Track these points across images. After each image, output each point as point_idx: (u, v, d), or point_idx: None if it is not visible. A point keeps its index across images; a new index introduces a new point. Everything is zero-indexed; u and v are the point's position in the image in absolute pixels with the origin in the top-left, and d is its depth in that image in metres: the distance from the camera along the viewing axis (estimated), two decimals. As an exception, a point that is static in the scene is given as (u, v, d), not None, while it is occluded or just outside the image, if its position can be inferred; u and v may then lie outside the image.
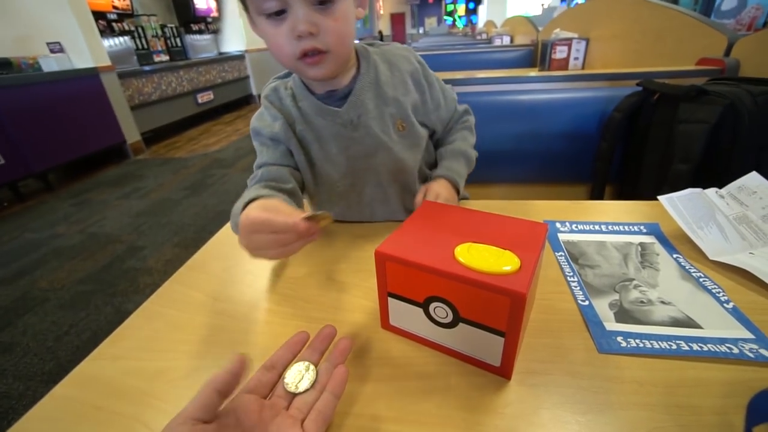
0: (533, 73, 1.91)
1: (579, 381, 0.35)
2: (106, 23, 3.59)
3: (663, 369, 0.35)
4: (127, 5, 3.79)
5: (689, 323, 0.40)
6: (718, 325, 0.40)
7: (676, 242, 0.54)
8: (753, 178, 0.60)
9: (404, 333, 0.40)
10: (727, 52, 1.17)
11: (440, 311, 0.35)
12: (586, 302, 0.44)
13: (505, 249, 0.34)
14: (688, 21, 1.35)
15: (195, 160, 3.44)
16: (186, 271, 0.55)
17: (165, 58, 4.33)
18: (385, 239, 0.37)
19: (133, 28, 3.83)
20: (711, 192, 0.59)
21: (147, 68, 3.80)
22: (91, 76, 3.14)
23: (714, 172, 0.77)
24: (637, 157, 0.97)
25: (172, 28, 4.42)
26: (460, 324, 0.35)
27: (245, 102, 5.72)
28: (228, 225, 0.66)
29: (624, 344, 0.38)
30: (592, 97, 1.12)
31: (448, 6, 14.36)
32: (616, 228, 0.58)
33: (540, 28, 2.85)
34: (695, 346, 0.37)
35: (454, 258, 0.34)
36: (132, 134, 3.56)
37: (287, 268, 0.54)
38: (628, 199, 0.70)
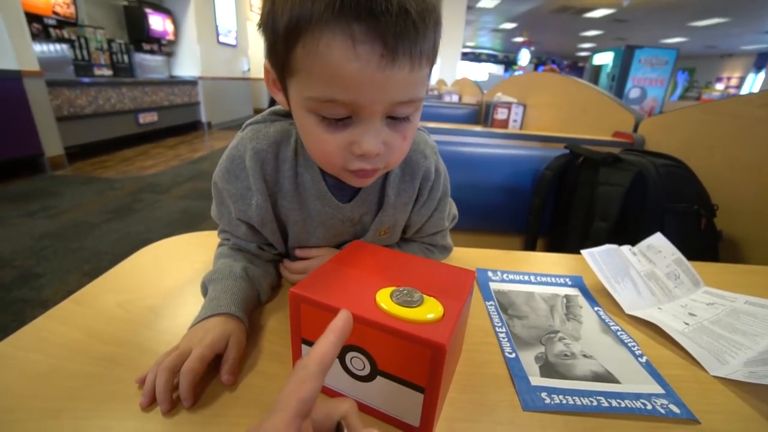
0: (478, 128, 2.06)
1: (502, 444, 0.32)
2: (42, 27, 3.33)
3: (583, 427, 0.34)
4: (71, 13, 3.57)
5: (608, 378, 0.40)
6: (633, 379, 0.40)
7: (597, 295, 0.57)
8: (658, 238, 0.66)
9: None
10: (635, 129, 1.35)
11: (357, 362, 0.32)
12: (513, 355, 0.43)
13: (429, 295, 0.32)
14: (607, 100, 1.56)
15: (125, 182, 3.16)
16: (69, 305, 0.46)
17: (108, 72, 4.08)
18: (303, 279, 0.34)
19: (74, 38, 3.59)
20: (625, 249, 0.63)
21: (85, 80, 3.54)
22: (11, 78, 2.84)
23: (628, 231, 0.85)
24: (564, 214, 1.05)
25: (120, 43, 4.23)
26: (378, 377, 0.31)
27: (192, 128, 5.50)
28: (140, 252, 0.58)
29: (548, 401, 0.36)
30: (527, 156, 1.21)
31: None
32: (544, 279, 0.60)
33: (485, 91, 3.14)
34: (614, 402, 0.37)
35: (374, 303, 0.31)
36: (53, 147, 3.21)
37: (198, 302, 0.47)
38: (557, 251, 0.74)
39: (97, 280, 0.51)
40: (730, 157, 0.97)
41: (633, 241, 0.64)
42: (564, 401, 0.36)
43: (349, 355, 0.32)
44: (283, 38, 0.33)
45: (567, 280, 0.60)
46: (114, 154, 3.98)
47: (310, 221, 0.49)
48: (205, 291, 0.45)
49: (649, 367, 0.42)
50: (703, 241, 0.85)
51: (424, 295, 0.32)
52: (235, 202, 0.47)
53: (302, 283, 0.33)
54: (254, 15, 6.98)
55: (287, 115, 0.47)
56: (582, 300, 0.55)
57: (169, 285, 0.51)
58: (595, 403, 0.36)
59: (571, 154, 1.04)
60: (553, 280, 0.60)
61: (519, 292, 0.56)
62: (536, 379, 0.39)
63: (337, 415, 0.24)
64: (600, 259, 0.59)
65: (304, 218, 0.49)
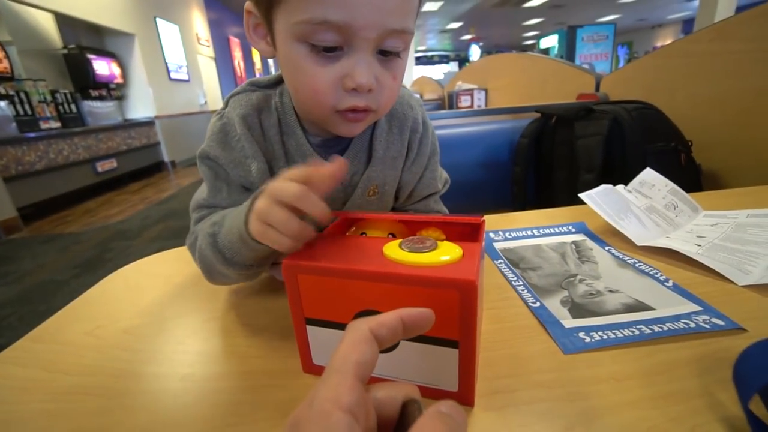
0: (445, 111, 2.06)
1: (552, 391, 0.28)
2: (-24, 88, 3.15)
3: (633, 358, 0.31)
4: (5, 68, 3.39)
5: (642, 306, 0.37)
6: (667, 303, 0.38)
7: (603, 236, 0.54)
8: (648, 173, 0.65)
9: (334, 372, 0.30)
10: (597, 88, 1.38)
11: (375, 330, 0.27)
12: (537, 303, 0.39)
13: (442, 241, 0.29)
14: (564, 67, 1.59)
15: (91, 233, 2.98)
16: (25, 344, 0.39)
17: (56, 124, 3.89)
18: (297, 249, 0.29)
19: (12, 93, 3.41)
20: (620, 188, 0.62)
21: (31, 135, 3.35)
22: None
23: (614, 177, 0.84)
24: (548, 176, 1.04)
25: (65, 93, 4.04)
26: (401, 342, 0.27)
27: (156, 169, 5.31)
28: (108, 278, 0.52)
29: (588, 340, 0.33)
30: (500, 129, 1.21)
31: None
32: (547, 231, 0.57)
33: (444, 86, 3.18)
34: (656, 328, 0.34)
35: (382, 256, 0.27)
36: (4, 209, 3.00)
37: (172, 321, 0.41)
38: None
39: (58, 313, 0.44)
40: (692, 95, 0.99)
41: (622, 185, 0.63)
42: (605, 336, 0.33)
43: (363, 323, 0.27)
44: None
45: (570, 227, 0.58)
46: (75, 207, 3.77)
47: None
48: (216, 244, 0.36)
49: (677, 288, 0.40)
50: (686, 176, 0.85)
51: (437, 241, 0.28)
52: (233, 168, 0.43)
53: (296, 253, 0.28)
54: (203, 48, 6.88)
55: (267, 86, 0.46)
56: (590, 243, 0.53)
57: (146, 304, 0.45)
58: (637, 333, 0.33)
59: (544, 117, 1.04)
60: (557, 230, 0.57)
61: (526, 247, 0.53)
62: (569, 322, 0.36)
63: (400, 397, 0.20)
64: (600, 200, 0.57)
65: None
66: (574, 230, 0.57)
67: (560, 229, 0.58)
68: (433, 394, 0.28)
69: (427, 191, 0.53)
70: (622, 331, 0.34)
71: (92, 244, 2.72)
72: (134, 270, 0.55)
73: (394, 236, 0.34)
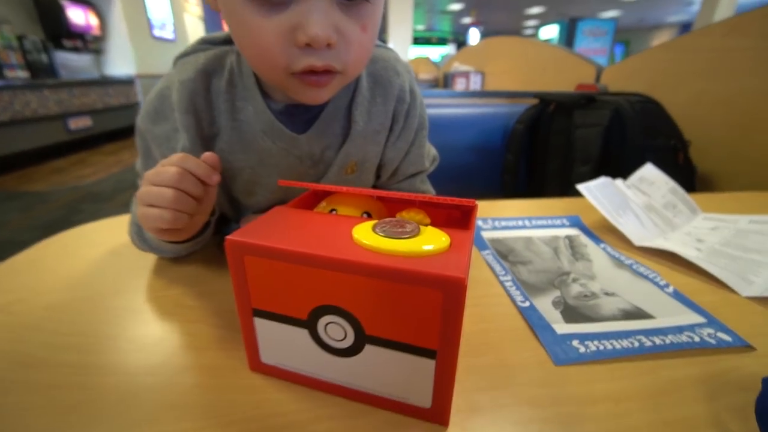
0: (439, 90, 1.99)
1: (541, 410, 0.24)
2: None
3: (633, 374, 0.27)
4: (-32, 9, 3.10)
5: (640, 314, 0.34)
6: (667, 311, 0.34)
7: (598, 233, 0.51)
8: (649, 169, 0.61)
9: (284, 373, 0.26)
10: (597, 79, 1.33)
11: (335, 330, 0.22)
12: (527, 303, 0.35)
13: (425, 225, 0.24)
14: (565, 55, 1.54)
15: (59, 194, 2.82)
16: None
17: (23, 74, 3.62)
18: (245, 225, 0.24)
19: (-26, 36, 3.14)
20: (619, 183, 0.58)
21: (-6, 83, 3.10)
22: None
23: (609, 171, 0.80)
24: (541, 166, 1.00)
25: (34, 41, 3.75)
26: (367, 347, 0.22)
27: (134, 131, 5.05)
28: (44, 243, 0.45)
29: (583, 350, 0.29)
30: (495, 113, 1.15)
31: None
32: (540, 223, 0.53)
33: (440, 67, 3.08)
34: (657, 340, 0.30)
35: (351, 240, 0.22)
36: (-35, 162, 2.81)
37: (107, 298, 0.35)
38: None
39: (-32, 281, 0.37)
40: (697, 93, 0.96)
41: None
42: (601, 347, 0.29)
43: (322, 321, 0.22)
44: None
45: (564, 221, 0.54)
46: (43, 165, 3.56)
47: (260, 167, 0.39)
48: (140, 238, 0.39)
49: (678, 296, 0.36)
50: (681, 176, 0.82)
51: (420, 226, 0.23)
52: (159, 146, 0.37)
53: (243, 229, 0.23)
54: (191, 6, 6.48)
55: (223, 42, 0.39)
56: (585, 239, 0.49)
57: (79, 275, 0.39)
58: (636, 344, 0.29)
59: (542, 104, 0.99)
60: (550, 222, 0.53)
61: (516, 238, 0.48)
62: (561, 327, 0.32)
63: None
64: (599, 193, 0.53)
65: (252, 165, 0.39)
66: (568, 224, 0.53)
67: (554, 221, 0.53)
68: (400, 408, 0.23)
69: (413, 169, 0.47)
70: (620, 341, 0.30)
71: (60, 205, 2.58)
72: (75, 236, 0.48)
73: (370, 216, 0.29)
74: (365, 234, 0.21)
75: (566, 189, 0.86)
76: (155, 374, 0.26)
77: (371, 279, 0.20)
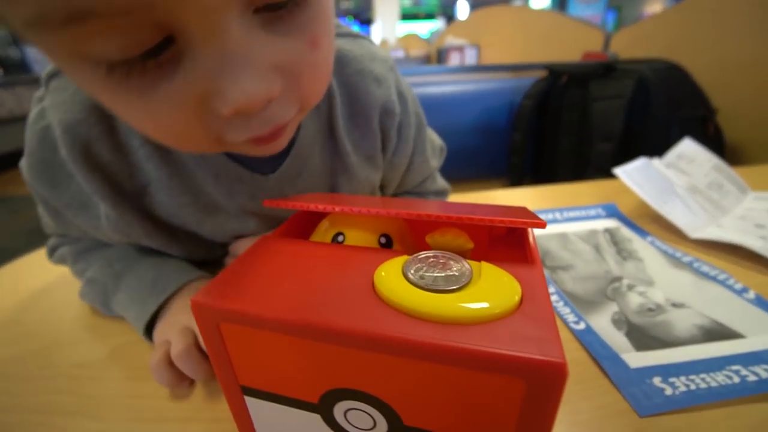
0: (434, 66, 1.88)
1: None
2: None
3: (746, 426, 0.21)
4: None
5: (724, 331, 0.27)
6: (757, 326, 0.28)
7: (640, 222, 0.44)
8: (688, 145, 0.54)
9: (293, 460, 0.19)
10: (606, 46, 1.24)
11: (359, 417, 0.16)
12: (582, 325, 0.29)
13: (476, 260, 0.17)
14: (568, 21, 1.44)
15: (44, 196, 2.72)
16: None
17: (-5, 73, 3.44)
18: (219, 273, 0.16)
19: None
20: (656, 162, 0.51)
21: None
22: None
23: (632, 149, 0.74)
24: (551, 144, 0.92)
25: (3, 34, 3.55)
26: (411, 437, 0.15)
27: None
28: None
29: (669, 391, 0.23)
30: (498, 88, 1.07)
31: (343, 30, 14.73)
32: (572, 215, 0.46)
33: (432, 43, 2.94)
34: (762, 372, 0.23)
35: (373, 293, 0.15)
36: (-58, 169, 2.68)
37: (68, 349, 0.29)
38: None
39: None
40: (720, 56, 0.88)
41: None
42: (692, 386, 0.23)
43: (340, 407, 0.16)
44: None
45: (599, 210, 0.47)
46: (25, 168, 3.44)
47: (222, 215, 0.30)
48: (101, 300, 0.30)
49: (762, 303, 0.30)
50: (710, 148, 0.75)
51: (471, 262, 0.16)
52: (75, 215, 0.27)
53: (216, 282, 0.16)
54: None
55: None
56: (627, 231, 0.42)
57: (38, 317, 0.32)
58: (737, 380, 0.23)
59: (552, 76, 0.91)
60: (583, 213, 0.46)
61: (549, 236, 0.42)
62: (633, 357, 0.25)
63: None
64: (639, 178, 0.46)
65: (210, 213, 0.29)
66: (604, 214, 0.46)
67: (587, 212, 0.47)
68: None
69: (419, 177, 0.39)
70: (713, 375, 0.23)
71: (45, 209, 2.49)
72: (34, 261, 0.41)
73: (390, 241, 0.22)
74: (394, 283, 0.15)
75: (582, 169, 0.79)
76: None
77: (410, 360, 0.13)
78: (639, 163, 0.48)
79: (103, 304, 0.30)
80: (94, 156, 0.25)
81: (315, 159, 0.30)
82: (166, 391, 0.24)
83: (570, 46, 1.39)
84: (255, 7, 0.16)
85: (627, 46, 1.16)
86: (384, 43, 5.11)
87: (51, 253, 0.34)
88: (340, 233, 0.21)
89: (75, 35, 0.14)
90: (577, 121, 0.83)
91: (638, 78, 0.71)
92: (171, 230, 0.29)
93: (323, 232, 0.22)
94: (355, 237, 0.21)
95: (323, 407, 0.16)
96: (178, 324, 0.26)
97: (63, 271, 0.37)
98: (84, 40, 0.14)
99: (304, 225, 0.23)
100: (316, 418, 0.17)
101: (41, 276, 0.38)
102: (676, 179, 0.49)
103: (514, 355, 0.12)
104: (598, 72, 0.77)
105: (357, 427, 0.16)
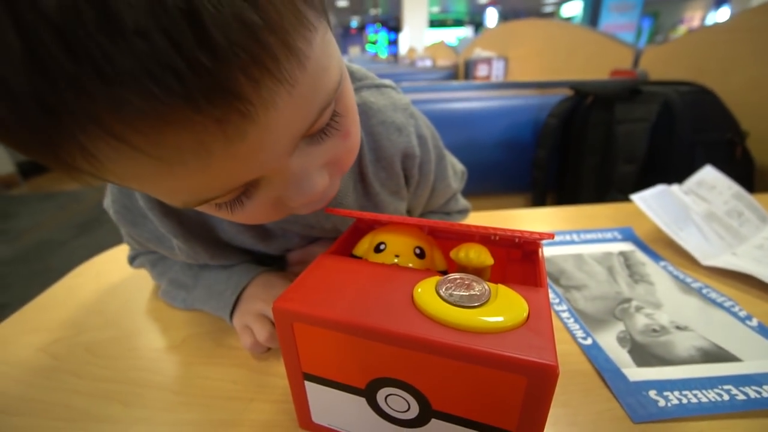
0: (460, 82, 1.92)
1: (627, 487, 0.21)
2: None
3: (727, 438, 0.24)
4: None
5: (723, 355, 0.30)
6: (755, 352, 0.30)
7: (655, 247, 0.46)
8: (709, 172, 0.56)
9: (338, 435, 0.24)
10: (635, 64, 1.24)
11: (397, 402, 0.20)
12: (589, 340, 0.32)
13: (495, 282, 0.21)
14: (597, 38, 1.44)
15: (90, 193, 2.91)
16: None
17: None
18: (292, 284, 0.21)
19: None
20: (675, 189, 0.53)
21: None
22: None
23: (655, 172, 0.75)
24: (575, 162, 0.94)
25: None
26: (433, 420, 0.20)
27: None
28: (76, 271, 0.45)
29: (663, 403, 0.26)
30: (524, 105, 1.09)
31: (370, 36, 14.97)
32: (588, 237, 0.49)
33: (459, 53, 2.97)
34: (751, 392, 0.26)
35: (413, 307, 0.19)
36: (2, 164, 2.93)
37: (146, 336, 0.34)
38: (571, 204, 0.63)
39: (11, 318, 0.37)
40: (752, 78, 0.87)
41: (663, 183, 0.54)
42: (683, 400, 0.26)
43: (382, 393, 0.20)
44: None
45: (616, 234, 0.50)
46: (73, 165, 3.69)
47: (273, 238, 0.36)
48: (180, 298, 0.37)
49: (765, 330, 0.32)
50: (738, 172, 0.75)
51: (489, 284, 0.20)
52: (156, 246, 0.34)
53: (290, 291, 0.21)
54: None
55: None
56: (641, 255, 0.45)
57: (115, 309, 0.38)
58: (726, 398, 0.26)
59: (577, 96, 0.93)
60: (600, 236, 0.49)
61: (566, 256, 0.45)
62: (633, 372, 0.29)
63: None
64: (655, 204, 0.48)
65: (263, 237, 0.36)
66: (620, 237, 0.49)
67: (604, 234, 0.49)
68: (468, 483, 0.21)
69: (442, 199, 0.45)
70: (704, 392, 0.26)
71: (91, 204, 2.67)
72: (107, 261, 0.48)
73: (422, 253, 0.26)
74: (429, 299, 0.19)
75: (605, 189, 0.81)
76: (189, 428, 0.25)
77: (441, 358, 0.17)
78: (657, 190, 0.50)
79: (183, 300, 0.36)
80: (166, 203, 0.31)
81: (349, 199, 0.35)
82: (230, 375, 0.29)
83: (598, 62, 1.39)
84: (309, 128, 0.20)
85: (656, 64, 1.16)
86: (411, 51, 5.17)
87: (131, 261, 0.41)
88: (382, 243, 0.26)
89: (201, 206, 0.21)
90: (601, 141, 0.85)
91: (663, 102, 0.73)
92: (232, 249, 0.36)
93: (368, 241, 0.27)
94: (394, 246, 0.25)
95: (368, 392, 0.20)
96: (253, 311, 0.32)
97: (132, 271, 0.43)
98: (207, 205, 0.21)
99: (351, 244, 0.28)
100: (361, 401, 0.21)
101: (115, 272, 0.45)
102: (694, 206, 0.51)
103: (519, 357, 0.16)
104: (624, 95, 0.79)
105: (394, 409, 0.20)
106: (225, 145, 0.16)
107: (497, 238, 0.26)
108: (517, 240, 0.26)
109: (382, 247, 0.26)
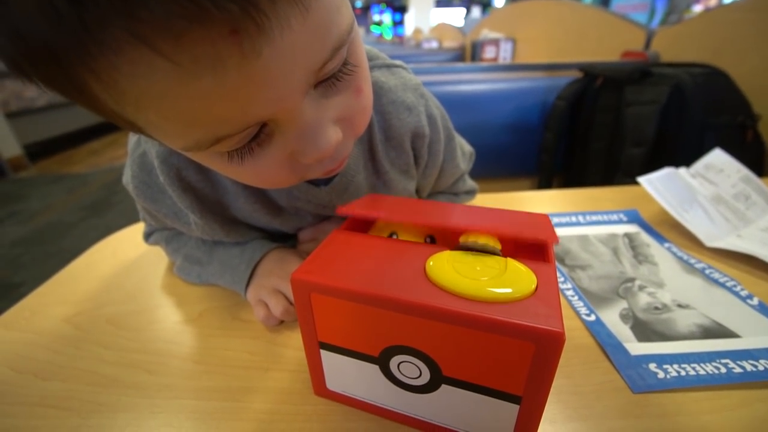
0: (467, 63, 1.89)
1: (625, 449, 0.23)
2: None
3: (722, 407, 0.25)
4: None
5: (723, 331, 0.31)
6: (755, 330, 0.31)
7: (660, 229, 0.47)
8: (718, 155, 0.55)
9: (350, 401, 0.25)
10: (647, 45, 1.22)
11: (409, 368, 0.21)
12: (592, 317, 0.33)
13: (505, 257, 0.22)
14: (608, 18, 1.40)
15: (97, 175, 2.95)
16: (-2, 328, 0.34)
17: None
18: (309, 256, 0.22)
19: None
20: (683, 172, 0.53)
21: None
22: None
23: (664, 155, 0.74)
24: (582, 145, 0.93)
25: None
26: (443, 386, 0.21)
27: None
28: (96, 247, 0.47)
29: (661, 375, 0.27)
30: (531, 87, 1.08)
31: (374, 17, 14.63)
32: (594, 218, 0.50)
33: (466, 34, 2.91)
34: (747, 366, 0.27)
35: (426, 278, 0.20)
36: (9, 147, 2.95)
37: (164, 310, 0.36)
38: (578, 187, 0.63)
39: (36, 291, 0.39)
40: None
41: (671, 166, 0.54)
42: (682, 372, 0.27)
43: (395, 360, 0.21)
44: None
45: (621, 216, 0.50)
46: (80, 147, 3.71)
47: (285, 215, 0.37)
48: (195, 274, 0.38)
49: (765, 309, 0.33)
50: (747, 156, 0.75)
51: (499, 258, 0.21)
52: (173, 221, 0.35)
53: (307, 263, 0.22)
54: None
55: None
56: (646, 237, 0.46)
57: (134, 283, 0.40)
58: (723, 371, 0.27)
59: (586, 78, 0.92)
60: (605, 217, 0.50)
61: (571, 237, 0.46)
62: (634, 346, 0.30)
63: None
64: (662, 186, 0.48)
65: (276, 214, 0.36)
66: (625, 219, 0.49)
67: (609, 216, 0.50)
68: (475, 444, 0.22)
69: (451, 180, 0.45)
70: (703, 365, 0.27)
71: (99, 186, 2.70)
72: (125, 238, 0.49)
73: (434, 240, 0.27)
74: (442, 271, 0.20)
75: (612, 172, 0.81)
76: (224, 399, 0.27)
77: (453, 326, 0.18)
78: (663, 173, 0.50)
79: (198, 275, 0.37)
80: (185, 178, 0.32)
81: (360, 176, 0.36)
82: (247, 347, 0.31)
83: (610, 44, 1.36)
84: (316, 83, 0.21)
85: (669, 46, 1.13)
86: (417, 32, 5.05)
87: (146, 237, 0.42)
88: (393, 232, 0.27)
89: (208, 146, 0.20)
90: (610, 124, 0.84)
91: (675, 84, 0.72)
92: (247, 226, 0.37)
93: (380, 229, 0.28)
94: (405, 235, 0.26)
95: (382, 360, 0.22)
96: (268, 286, 0.34)
97: (146, 249, 0.44)
98: (220, 147, 0.21)
99: (362, 221, 0.29)
100: (375, 369, 0.22)
101: (131, 250, 0.46)
102: (701, 189, 0.51)
103: (527, 324, 0.17)
104: (634, 76, 0.78)
105: (406, 376, 0.22)
106: (240, 62, 0.16)
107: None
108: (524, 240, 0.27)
109: (393, 236, 0.27)
